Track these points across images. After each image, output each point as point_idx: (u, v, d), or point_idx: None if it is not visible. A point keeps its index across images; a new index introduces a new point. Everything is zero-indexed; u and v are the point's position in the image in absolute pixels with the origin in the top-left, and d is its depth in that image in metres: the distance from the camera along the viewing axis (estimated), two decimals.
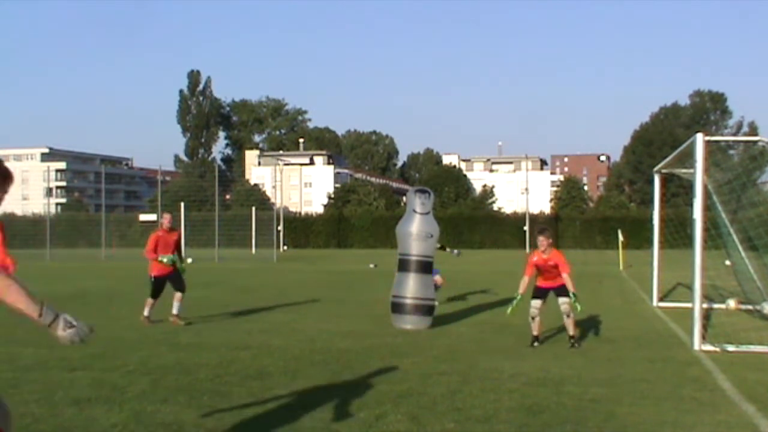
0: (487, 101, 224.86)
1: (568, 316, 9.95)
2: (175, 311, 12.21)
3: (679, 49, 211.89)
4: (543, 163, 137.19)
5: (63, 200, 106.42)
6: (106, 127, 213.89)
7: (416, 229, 11.70)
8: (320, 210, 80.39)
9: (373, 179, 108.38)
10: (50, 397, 6.87)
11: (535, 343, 10.04)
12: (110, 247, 43.51)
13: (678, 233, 17.70)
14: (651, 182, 14.77)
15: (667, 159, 14.20)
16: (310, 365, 8.45)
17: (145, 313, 12.21)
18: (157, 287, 12.35)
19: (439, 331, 11.39)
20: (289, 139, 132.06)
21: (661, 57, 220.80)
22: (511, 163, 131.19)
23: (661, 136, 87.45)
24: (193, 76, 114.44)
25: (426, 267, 11.70)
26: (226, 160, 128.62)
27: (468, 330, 11.55)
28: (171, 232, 12.73)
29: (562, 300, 9.94)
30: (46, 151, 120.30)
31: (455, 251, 16.01)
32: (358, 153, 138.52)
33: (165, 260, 12.22)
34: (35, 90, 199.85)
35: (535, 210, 67.54)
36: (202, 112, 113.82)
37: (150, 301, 12.28)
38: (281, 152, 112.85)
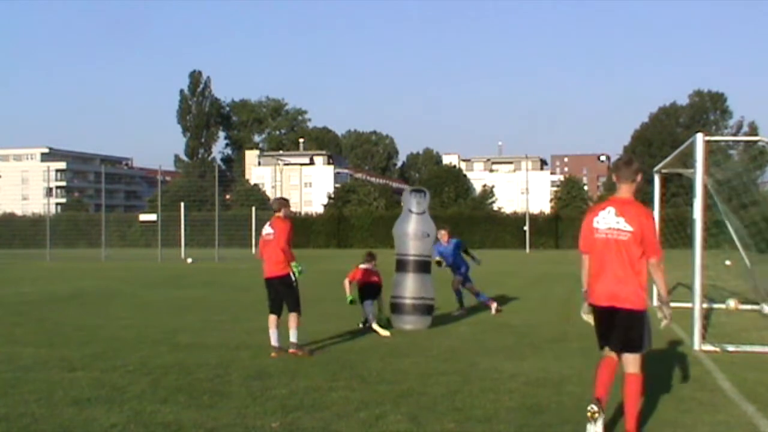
0: (487, 101, 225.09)
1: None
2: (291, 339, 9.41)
3: (679, 49, 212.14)
4: (543, 163, 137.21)
5: (63, 200, 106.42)
6: (106, 127, 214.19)
7: (413, 229, 11.70)
8: (320, 210, 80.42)
9: (373, 179, 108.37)
10: (50, 397, 6.87)
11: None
12: (110, 247, 43.52)
13: (678, 233, 17.70)
14: (651, 182, 14.76)
15: (667, 159, 14.20)
16: (310, 365, 8.45)
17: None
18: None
19: (439, 331, 11.39)
20: (289, 139, 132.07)
21: (661, 57, 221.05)
22: (511, 163, 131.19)
23: (661, 136, 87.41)
24: (195, 77, 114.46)
25: (424, 266, 11.70)
26: (226, 160, 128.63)
27: (468, 330, 11.54)
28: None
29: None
30: (46, 151, 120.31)
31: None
32: (358, 153, 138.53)
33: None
34: (35, 90, 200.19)
35: (535, 210, 67.54)
36: (202, 112, 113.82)
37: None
38: (281, 152, 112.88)
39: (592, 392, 5.62)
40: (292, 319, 9.29)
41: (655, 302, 6.11)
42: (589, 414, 5.39)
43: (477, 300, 14.09)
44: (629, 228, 5.40)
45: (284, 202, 9.79)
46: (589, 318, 5.79)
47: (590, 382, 7.51)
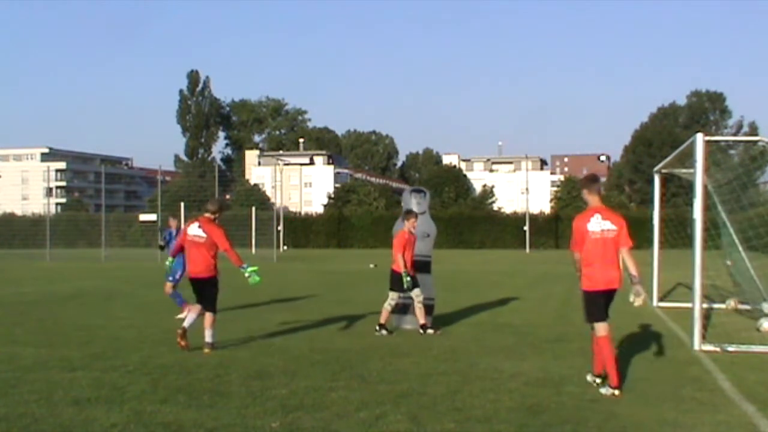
0: (487, 101, 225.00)
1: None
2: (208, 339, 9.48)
3: (680, 49, 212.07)
4: (543, 163, 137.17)
5: (63, 200, 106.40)
6: (106, 127, 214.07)
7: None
8: (320, 210, 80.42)
9: (373, 179, 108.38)
10: (50, 397, 6.87)
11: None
12: (110, 247, 43.51)
13: (678, 233, 17.70)
14: (651, 182, 14.77)
15: (667, 159, 14.20)
16: (310, 365, 8.45)
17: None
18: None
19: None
20: (289, 139, 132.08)
21: (661, 57, 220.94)
22: (511, 163, 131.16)
23: (661, 136, 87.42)
24: (193, 77, 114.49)
25: (424, 266, 11.69)
26: (226, 160, 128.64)
27: (468, 330, 11.54)
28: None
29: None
30: (46, 151, 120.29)
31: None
32: (358, 153, 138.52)
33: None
34: (35, 90, 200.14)
35: (535, 210, 67.55)
36: (201, 112, 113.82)
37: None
38: (281, 152, 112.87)
39: (594, 367, 7.39)
40: (209, 318, 9.41)
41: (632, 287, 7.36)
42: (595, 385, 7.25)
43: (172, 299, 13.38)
44: (615, 227, 7.21)
45: (223, 208, 9.86)
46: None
47: (590, 382, 7.53)
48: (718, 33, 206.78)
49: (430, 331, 10.92)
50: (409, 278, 10.79)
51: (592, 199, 7.37)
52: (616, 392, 6.94)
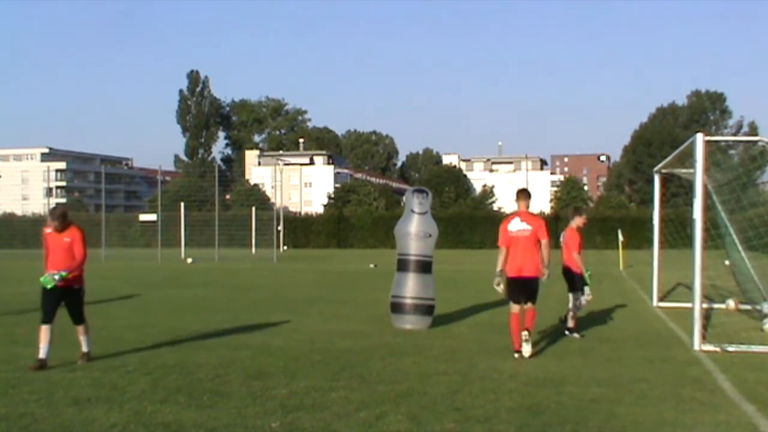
0: (487, 101, 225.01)
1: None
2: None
3: (680, 49, 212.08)
4: (543, 163, 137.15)
5: (63, 200, 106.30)
6: (106, 127, 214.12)
7: (415, 229, 11.70)
8: (320, 210, 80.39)
9: (373, 179, 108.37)
10: (50, 397, 6.87)
11: None
12: (110, 247, 43.49)
13: (678, 233, 17.70)
14: (651, 182, 14.76)
15: (667, 159, 14.19)
16: (310, 365, 8.45)
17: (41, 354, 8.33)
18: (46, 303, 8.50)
19: (439, 331, 11.40)
20: (289, 139, 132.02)
21: (661, 57, 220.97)
22: (511, 163, 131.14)
23: (661, 136, 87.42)
24: (193, 77, 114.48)
25: (425, 266, 11.70)
26: (226, 160, 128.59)
27: (468, 330, 11.54)
28: (63, 231, 8.45)
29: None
30: (46, 151, 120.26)
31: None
32: (358, 153, 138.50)
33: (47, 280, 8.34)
34: (35, 90, 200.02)
35: (535, 210, 67.50)
36: (201, 112, 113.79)
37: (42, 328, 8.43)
38: (281, 152, 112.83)
39: (512, 344, 9.00)
40: (84, 329, 8.81)
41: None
42: (518, 355, 8.79)
43: None
44: (529, 228, 9.06)
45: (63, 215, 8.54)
46: (499, 288, 9.06)
47: (590, 382, 7.54)
48: (718, 33, 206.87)
49: (576, 335, 10.75)
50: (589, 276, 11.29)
51: (520, 205, 9.26)
52: (524, 352, 8.80)
